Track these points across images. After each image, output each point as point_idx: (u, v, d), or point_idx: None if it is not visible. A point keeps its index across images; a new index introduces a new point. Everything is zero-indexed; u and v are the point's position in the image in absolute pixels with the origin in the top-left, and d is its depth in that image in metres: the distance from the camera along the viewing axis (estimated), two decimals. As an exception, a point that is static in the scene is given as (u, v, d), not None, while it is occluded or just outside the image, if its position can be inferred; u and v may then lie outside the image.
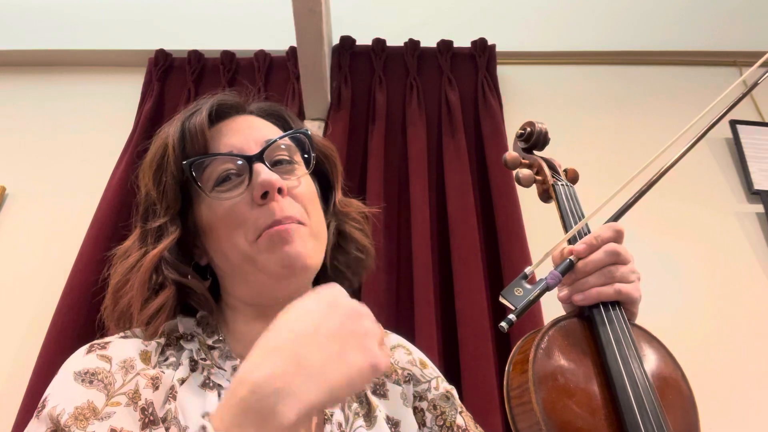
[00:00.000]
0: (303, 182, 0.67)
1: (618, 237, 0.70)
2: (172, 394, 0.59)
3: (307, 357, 0.44)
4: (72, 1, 2.02)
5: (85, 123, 1.82)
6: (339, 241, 0.74)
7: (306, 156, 0.71)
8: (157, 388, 0.58)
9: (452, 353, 1.33)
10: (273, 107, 0.78)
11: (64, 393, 0.54)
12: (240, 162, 0.65)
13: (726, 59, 1.92)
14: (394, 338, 0.79)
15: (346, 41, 1.82)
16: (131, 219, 1.36)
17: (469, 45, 1.83)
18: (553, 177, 0.81)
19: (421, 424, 0.71)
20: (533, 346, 0.59)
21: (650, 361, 0.63)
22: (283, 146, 0.68)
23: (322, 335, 0.46)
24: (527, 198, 1.56)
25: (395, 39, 1.83)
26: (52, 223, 1.63)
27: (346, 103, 1.69)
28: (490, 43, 1.82)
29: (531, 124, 0.90)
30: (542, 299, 0.64)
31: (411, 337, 1.28)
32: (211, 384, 0.61)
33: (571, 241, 0.73)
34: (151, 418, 0.56)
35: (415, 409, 0.71)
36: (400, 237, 1.50)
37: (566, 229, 0.75)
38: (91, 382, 0.56)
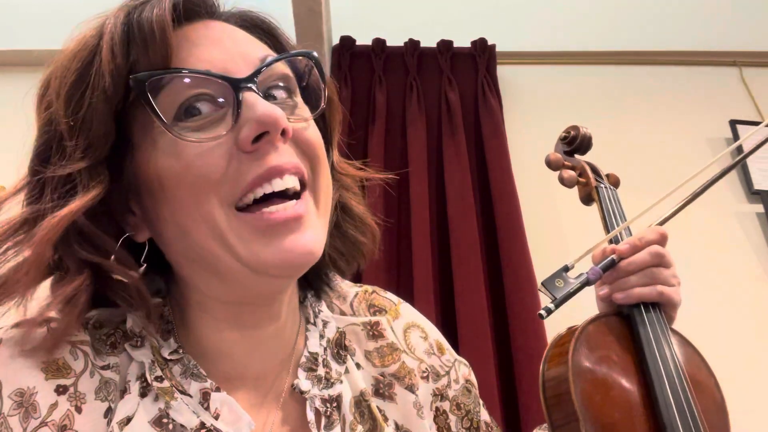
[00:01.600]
0: (311, 127, 0.47)
1: (662, 240, 0.70)
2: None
3: None
4: (72, 1, 2.02)
5: (85, 123, 1.82)
6: (338, 219, 0.56)
7: (308, 91, 0.49)
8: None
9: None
10: (260, 17, 0.51)
11: None
12: (222, 86, 0.42)
13: (726, 59, 1.92)
14: (406, 313, 0.65)
15: (346, 41, 1.82)
16: None
17: (469, 45, 1.83)
18: (596, 180, 0.82)
19: (445, 429, 0.60)
20: (573, 338, 0.59)
21: (687, 364, 0.63)
22: (280, 73, 0.46)
23: None
24: (527, 198, 1.56)
25: (395, 39, 1.83)
26: (52, 223, 1.63)
27: (346, 103, 1.69)
28: (490, 43, 1.82)
29: (575, 128, 0.92)
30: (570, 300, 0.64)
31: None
32: (170, 424, 0.43)
33: (613, 242, 0.73)
34: None
35: (437, 410, 0.60)
36: (399, 237, 1.50)
37: (608, 230, 0.76)
38: None
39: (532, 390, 1.25)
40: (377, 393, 0.56)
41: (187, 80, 0.42)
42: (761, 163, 1.70)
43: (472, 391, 0.67)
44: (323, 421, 0.49)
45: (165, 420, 0.43)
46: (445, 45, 1.81)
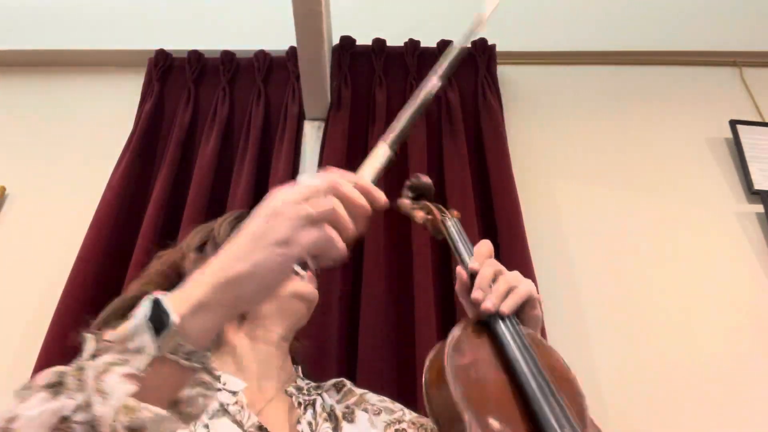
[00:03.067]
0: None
1: (491, 251, 0.82)
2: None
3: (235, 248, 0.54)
4: (72, 1, 2.02)
5: (85, 123, 1.82)
6: None
7: None
8: None
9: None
10: None
11: None
12: None
13: (726, 59, 1.92)
14: (367, 393, 0.91)
15: (346, 41, 1.81)
16: (131, 219, 1.42)
17: (469, 45, 1.83)
18: (441, 215, 0.92)
19: None
20: (446, 346, 0.68)
21: (543, 356, 0.72)
22: None
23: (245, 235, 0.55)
24: (527, 198, 1.56)
25: (395, 39, 1.82)
26: (52, 223, 1.63)
27: (346, 103, 1.69)
28: (490, 43, 1.82)
29: (417, 176, 1.03)
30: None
31: (411, 338, 1.28)
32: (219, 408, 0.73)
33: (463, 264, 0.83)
34: None
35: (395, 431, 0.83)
36: (399, 237, 1.50)
37: (460, 257, 0.83)
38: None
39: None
40: (343, 418, 0.81)
41: None
42: (761, 163, 1.70)
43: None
44: (303, 411, 0.80)
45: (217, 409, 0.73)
46: (445, 45, 1.81)
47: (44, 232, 1.62)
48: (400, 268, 1.44)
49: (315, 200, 0.52)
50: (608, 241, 1.57)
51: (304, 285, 0.87)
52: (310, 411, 0.79)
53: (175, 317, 0.49)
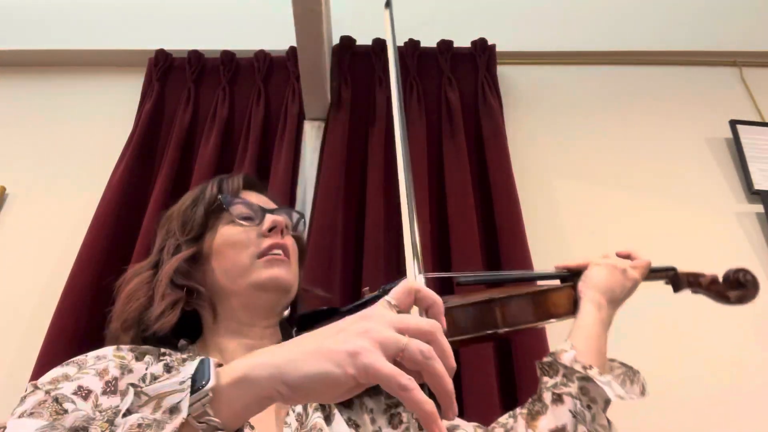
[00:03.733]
0: (294, 243, 0.90)
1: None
2: (142, 379, 0.69)
3: (300, 342, 0.50)
4: (72, 1, 2.02)
5: (85, 123, 1.82)
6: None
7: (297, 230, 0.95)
8: (127, 371, 0.68)
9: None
10: (264, 186, 1.01)
11: (47, 375, 0.65)
12: (258, 210, 0.87)
13: (726, 59, 1.92)
14: None
15: (346, 41, 1.81)
16: (131, 219, 1.43)
17: (469, 45, 1.83)
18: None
19: (398, 423, 0.81)
20: None
21: None
22: (284, 214, 0.90)
23: (324, 332, 0.50)
24: (527, 198, 1.56)
25: (395, 39, 1.82)
26: (52, 223, 1.63)
27: (346, 104, 1.69)
28: (490, 43, 1.82)
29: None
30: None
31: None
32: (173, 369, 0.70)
33: None
34: (112, 388, 0.65)
35: (391, 416, 0.81)
36: (400, 237, 1.50)
37: None
38: (67, 364, 0.67)
39: (532, 391, 1.24)
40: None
41: (244, 204, 0.88)
42: (761, 163, 1.70)
43: None
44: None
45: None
46: (445, 45, 1.81)
47: (44, 232, 1.62)
48: (400, 267, 1.44)
49: (412, 331, 0.47)
50: (608, 241, 1.56)
51: (263, 271, 0.81)
52: None
53: (213, 380, 0.47)
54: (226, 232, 0.84)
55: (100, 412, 0.61)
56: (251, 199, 0.89)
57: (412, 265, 0.81)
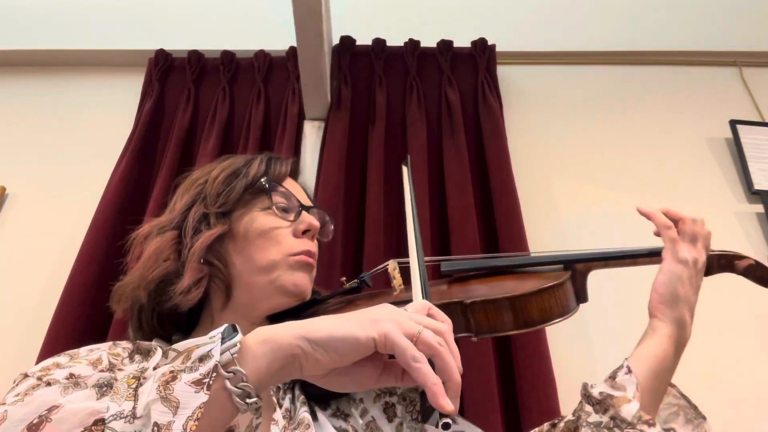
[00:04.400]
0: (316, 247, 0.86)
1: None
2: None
3: (324, 317, 0.55)
4: (72, 1, 2.02)
5: (85, 123, 1.82)
6: None
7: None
8: (117, 370, 0.68)
9: (452, 353, 1.33)
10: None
11: (37, 365, 0.65)
12: (297, 207, 0.85)
13: (726, 59, 1.92)
14: None
15: (346, 41, 1.81)
16: (131, 218, 1.40)
17: (469, 45, 1.83)
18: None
19: (392, 416, 0.80)
20: None
21: None
22: (319, 216, 0.89)
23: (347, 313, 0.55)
24: (527, 198, 1.56)
25: (395, 39, 1.82)
26: (52, 223, 1.63)
27: (346, 103, 1.69)
28: (490, 43, 1.82)
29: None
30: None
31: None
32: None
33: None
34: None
35: (386, 404, 0.81)
36: (400, 237, 1.50)
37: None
38: (59, 356, 0.67)
39: (532, 391, 1.25)
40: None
41: (285, 195, 0.85)
42: (761, 163, 1.70)
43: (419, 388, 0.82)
44: (282, 395, 0.74)
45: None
46: (445, 45, 1.81)
47: (44, 232, 1.62)
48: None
49: (426, 324, 0.52)
50: (608, 241, 1.57)
51: (288, 275, 0.79)
52: (288, 396, 0.74)
53: (240, 335, 0.51)
54: (259, 219, 0.80)
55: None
56: (292, 189, 0.86)
57: (415, 259, 0.77)
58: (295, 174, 0.91)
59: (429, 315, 0.55)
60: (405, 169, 0.88)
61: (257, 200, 0.82)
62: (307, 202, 0.88)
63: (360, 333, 0.50)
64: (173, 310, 0.77)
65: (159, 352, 0.53)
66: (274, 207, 0.81)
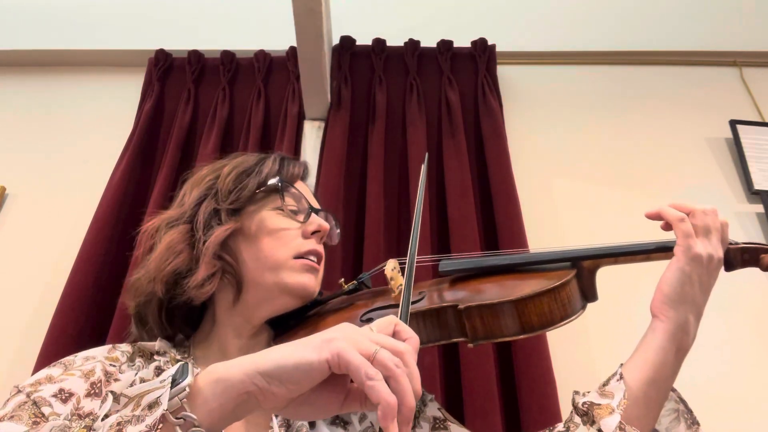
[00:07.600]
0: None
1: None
2: (130, 385, 0.69)
3: (279, 345, 0.52)
4: (72, 1, 2.02)
5: (85, 123, 1.82)
6: None
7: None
8: (113, 379, 0.69)
9: (452, 353, 1.33)
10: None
11: (31, 377, 0.67)
12: (307, 209, 0.86)
13: (726, 59, 1.92)
14: None
15: (346, 41, 1.81)
16: (131, 219, 1.41)
17: (469, 45, 1.83)
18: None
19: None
20: None
21: None
22: (327, 219, 0.90)
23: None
24: (527, 198, 1.56)
25: (395, 39, 1.82)
26: (52, 223, 1.63)
27: (346, 103, 1.69)
28: (490, 43, 1.82)
29: None
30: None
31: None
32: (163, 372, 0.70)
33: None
34: (97, 391, 0.66)
35: None
36: (400, 237, 1.50)
37: None
38: (54, 365, 0.68)
39: (532, 390, 1.25)
40: None
41: (296, 196, 0.86)
42: (761, 163, 1.70)
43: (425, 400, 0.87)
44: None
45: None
46: (445, 45, 1.81)
47: (44, 232, 1.62)
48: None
49: (383, 343, 0.49)
50: (608, 241, 1.56)
51: (294, 275, 0.79)
52: None
53: (190, 377, 0.49)
54: (268, 218, 0.81)
55: (80, 416, 0.62)
56: (303, 191, 0.87)
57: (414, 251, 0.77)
58: (305, 177, 0.93)
59: (395, 332, 0.52)
60: (423, 168, 0.88)
61: (268, 199, 0.83)
62: (316, 205, 0.89)
63: (312, 356, 0.48)
64: (186, 304, 0.77)
65: (110, 399, 0.53)
66: (284, 208, 0.83)
